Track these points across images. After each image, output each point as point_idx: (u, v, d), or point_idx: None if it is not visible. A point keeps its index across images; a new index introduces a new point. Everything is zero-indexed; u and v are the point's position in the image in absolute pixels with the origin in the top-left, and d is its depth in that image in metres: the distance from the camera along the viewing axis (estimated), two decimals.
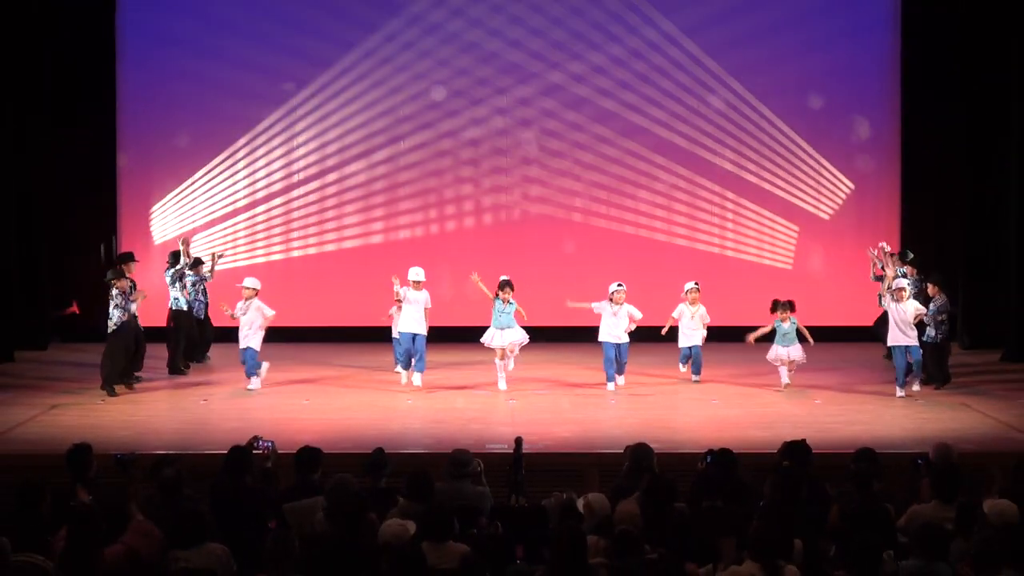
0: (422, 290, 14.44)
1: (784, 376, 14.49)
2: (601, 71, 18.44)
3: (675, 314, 14.96)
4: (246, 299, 14.46)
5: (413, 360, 14.43)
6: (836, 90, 18.57)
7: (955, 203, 18.19)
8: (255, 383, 14.43)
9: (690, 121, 18.55)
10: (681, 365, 15.11)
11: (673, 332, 15.07)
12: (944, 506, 8.06)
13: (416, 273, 14.46)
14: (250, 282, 14.65)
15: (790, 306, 14.46)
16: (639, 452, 9.07)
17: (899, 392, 14.07)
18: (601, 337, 14.65)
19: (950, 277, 17.71)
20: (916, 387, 14.21)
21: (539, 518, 8.55)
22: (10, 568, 6.77)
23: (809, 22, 18.49)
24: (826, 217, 18.72)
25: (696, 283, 15.00)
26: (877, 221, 18.63)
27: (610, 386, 14.57)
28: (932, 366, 14.60)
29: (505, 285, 14.41)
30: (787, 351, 14.37)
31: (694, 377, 14.94)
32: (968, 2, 17.72)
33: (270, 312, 14.45)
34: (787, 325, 14.39)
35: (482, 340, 14.61)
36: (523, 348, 14.73)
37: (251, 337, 14.42)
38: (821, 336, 15.39)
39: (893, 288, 14.10)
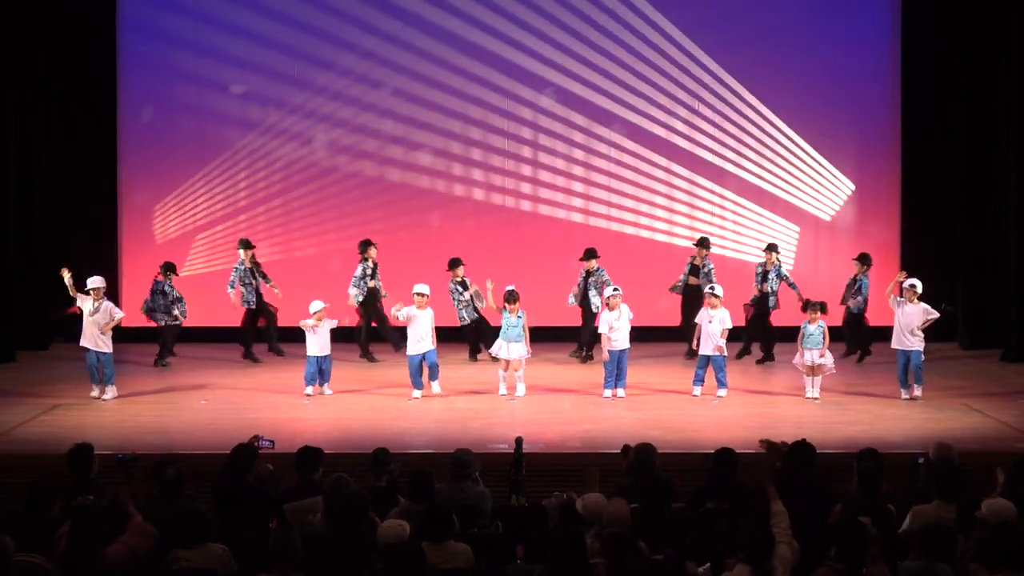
0: (426, 307, 14.18)
1: (808, 388, 13.98)
2: (602, 71, 18.44)
3: (697, 319, 14.28)
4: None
5: (426, 374, 14.24)
6: (836, 91, 18.56)
7: (954, 204, 18.19)
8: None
9: (690, 122, 18.56)
10: (695, 387, 14.20)
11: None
12: (945, 505, 8.05)
13: (422, 288, 14.35)
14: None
15: (821, 307, 14.01)
16: (642, 452, 9.08)
17: (904, 394, 14.02)
18: (603, 344, 14.14)
19: (950, 277, 17.79)
20: (918, 392, 13.97)
21: (539, 518, 8.56)
22: (12, 568, 6.76)
23: (809, 24, 18.49)
24: (827, 218, 18.73)
25: (711, 287, 14.34)
26: (878, 221, 18.66)
27: (606, 393, 14.15)
28: (848, 336, 14.92)
29: (508, 297, 14.24)
30: (810, 355, 13.85)
31: (720, 392, 14.06)
32: (967, 4, 17.72)
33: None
34: (813, 327, 13.89)
35: (491, 351, 14.64)
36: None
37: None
38: None
39: (905, 287, 14.00)
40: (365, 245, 16.71)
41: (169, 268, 16.55)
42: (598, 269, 16.34)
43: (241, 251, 16.83)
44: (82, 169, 18.21)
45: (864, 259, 16.71)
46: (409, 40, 18.37)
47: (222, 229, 18.52)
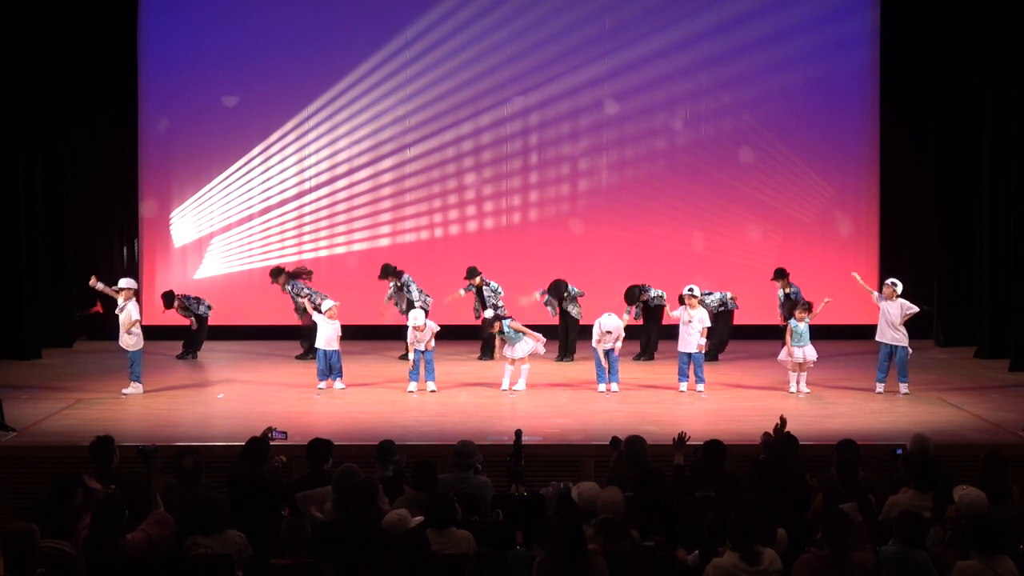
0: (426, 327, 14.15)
1: (793, 384, 13.96)
2: (598, 83, 18.47)
3: (675, 313, 14.31)
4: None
5: (423, 371, 14.23)
6: (818, 102, 18.61)
7: (931, 208, 18.22)
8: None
9: (680, 131, 18.59)
10: (681, 383, 14.14)
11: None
12: (921, 495, 8.04)
13: (415, 317, 14.04)
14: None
15: (808, 307, 14.05)
16: (633, 444, 9.08)
17: (879, 388, 14.01)
18: (595, 344, 14.11)
19: (927, 279, 17.80)
20: (904, 389, 13.88)
21: (537, 506, 8.56)
22: (38, 554, 6.76)
23: (793, 38, 18.52)
24: (807, 221, 18.74)
25: (690, 288, 14.21)
26: (857, 225, 18.67)
27: (600, 388, 14.14)
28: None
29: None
30: (802, 352, 13.85)
31: (699, 387, 14.03)
32: (943, 18, 17.73)
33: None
34: (803, 326, 13.89)
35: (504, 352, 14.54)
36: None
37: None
38: None
39: (886, 284, 14.03)
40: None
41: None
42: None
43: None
44: (105, 175, 18.26)
45: (781, 273, 16.14)
46: (416, 54, 18.40)
47: (236, 234, 18.55)
